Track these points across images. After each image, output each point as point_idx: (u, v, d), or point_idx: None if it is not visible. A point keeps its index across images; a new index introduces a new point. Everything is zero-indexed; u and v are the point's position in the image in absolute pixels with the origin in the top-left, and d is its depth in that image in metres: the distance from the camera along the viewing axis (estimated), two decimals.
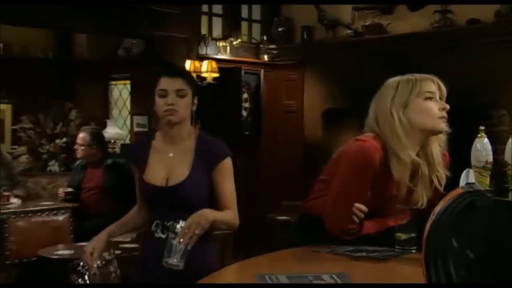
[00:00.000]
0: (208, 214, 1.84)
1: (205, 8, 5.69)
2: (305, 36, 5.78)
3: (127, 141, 6.42)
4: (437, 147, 1.92)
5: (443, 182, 1.91)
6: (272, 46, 5.87)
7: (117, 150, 5.82)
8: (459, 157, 1.91)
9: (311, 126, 5.76)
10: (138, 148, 2.06)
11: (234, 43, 5.75)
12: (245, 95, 5.91)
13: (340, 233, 1.86)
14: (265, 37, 5.99)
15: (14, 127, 5.41)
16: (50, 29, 5.49)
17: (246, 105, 5.92)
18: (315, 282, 1.46)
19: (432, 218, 1.38)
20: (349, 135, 2.09)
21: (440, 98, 1.93)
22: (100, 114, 6.26)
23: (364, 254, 1.77)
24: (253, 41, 6.04)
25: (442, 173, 1.91)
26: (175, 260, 1.73)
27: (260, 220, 5.17)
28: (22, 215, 3.65)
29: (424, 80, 1.93)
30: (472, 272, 1.31)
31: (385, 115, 1.91)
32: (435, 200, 1.84)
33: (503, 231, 1.33)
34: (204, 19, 5.68)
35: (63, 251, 3.17)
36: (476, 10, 4.67)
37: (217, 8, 5.82)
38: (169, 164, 1.96)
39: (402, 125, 1.88)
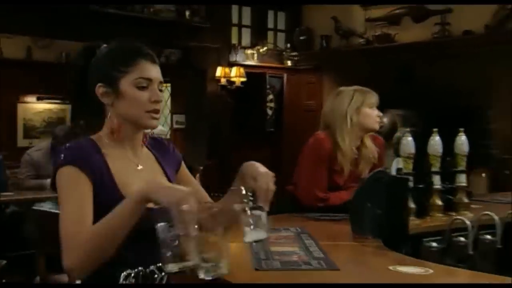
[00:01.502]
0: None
1: (235, 20, 6.48)
2: (323, 44, 6.48)
3: (168, 136, 7.28)
4: (369, 138, 2.67)
5: (376, 157, 2.67)
6: (294, 53, 6.60)
7: None
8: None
9: None
10: (84, 153, 1.36)
11: (261, 50, 6.53)
12: (270, 96, 6.68)
13: (313, 200, 2.58)
14: (288, 45, 6.73)
15: (73, 124, 6.36)
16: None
17: (271, 105, 6.69)
18: (283, 230, 2.18)
19: (356, 188, 2.14)
20: None
21: (376, 106, 2.67)
22: None
23: (326, 217, 2.50)
24: (278, 48, 6.79)
25: (376, 153, 2.67)
26: (263, 233, 1.34)
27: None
28: None
29: (370, 93, 2.67)
30: (378, 223, 2.04)
31: (340, 117, 2.64)
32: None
33: (396, 196, 2.06)
34: (234, 30, 6.46)
35: None
36: (470, 23, 5.29)
37: (246, 20, 6.60)
38: (145, 179, 1.38)
39: (352, 126, 2.61)
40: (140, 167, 1.45)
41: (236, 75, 6.08)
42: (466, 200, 2.51)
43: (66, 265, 1.24)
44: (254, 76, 6.34)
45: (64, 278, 3.00)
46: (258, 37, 6.64)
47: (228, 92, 6.16)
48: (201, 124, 6.20)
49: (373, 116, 2.63)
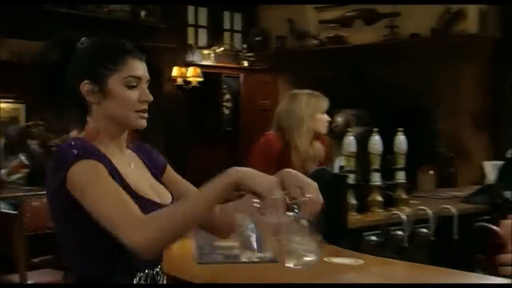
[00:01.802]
0: None
1: (191, 20, 6.53)
2: (278, 45, 6.60)
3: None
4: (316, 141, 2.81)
5: (323, 156, 2.82)
6: (250, 54, 6.70)
7: None
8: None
9: None
10: (92, 148, 1.31)
11: (217, 51, 6.60)
12: (227, 96, 6.76)
13: None
14: (245, 46, 6.82)
15: (28, 123, 6.26)
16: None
17: (228, 104, 6.77)
18: None
19: None
20: None
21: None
22: None
23: None
24: (234, 49, 6.88)
25: (322, 152, 2.82)
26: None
27: None
28: (36, 197, 4.50)
29: (323, 98, 2.81)
30: (318, 218, 2.15)
31: (297, 121, 2.76)
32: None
33: (335, 192, 2.18)
34: (190, 30, 6.51)
35: None
36: (417, 26, 5.50)
37: (202, 21, 6.67)
38: (142, 177, 1.38)
39: (307, 131, 2.75)
40: (132, 165, 1.38)
41: (192, 75, 6.13)
42: (404, 196, 2.66)
43: (137, 246, 1.15)
44: (210, 76, 6.41)
45: (15, 278, 3.00)
46: (215, 38, 6.71)
47: (184, 92, 6.21)
48: (157, 123, 6.22)
49: (324, 121, 2.79)
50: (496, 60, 5.39)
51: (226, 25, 6.89)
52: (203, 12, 6.62)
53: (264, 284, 1.54)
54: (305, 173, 2.76)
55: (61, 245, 1.29)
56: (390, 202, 2.63)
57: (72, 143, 1.28)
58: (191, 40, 6.50)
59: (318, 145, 2.83)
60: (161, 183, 1.41)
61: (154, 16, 5.77)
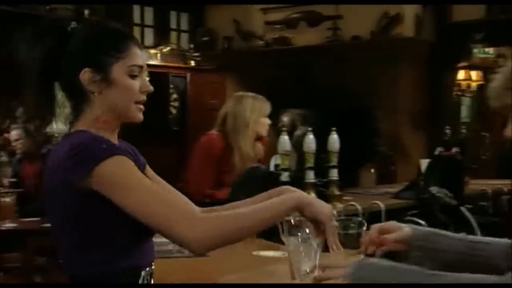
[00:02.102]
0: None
1: (137, 19, 6.51)
2: (225, 45, 6.67)
3: None
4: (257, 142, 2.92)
5: (262, 155, 2.94)
6: (196, 54, 6.74)
7: None
8: (347, 148, 2.79)
9: None
10: (112, 143, 1.26)
11: (164, 50, 6.60)
12: (174, 96, 6.77)
13: (201, 196, 2.77)
14: (191, 45, 6.85)
15: None
16: None
17: (175, 104, 6.78)
18: None
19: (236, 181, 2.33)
20: None
21: None
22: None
23: None
24: (181, 48, 6.90)
25: (262, 151, 2.95)
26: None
27: None
28: None
29: (266, 102, 2.92)
30: None
31: (243, 124, 2.85)
32: None
33: (266, 189, 2.26)
34: (136, 30, 6.49)
35: (9, 224, 3.96)
36: (357, 29, 5.70)
37: (148, 20, 6.66)
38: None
39: (252, 133, 2.86)
40: None
41: None
42: (337, 192, 2.79)
43: (190, 242, 1.15)
44: (157, 75, 6.39)
45: None
46: (161, 37, 6.71)
47: None
48: None
49: (266, 124, 2.91)
50: (432, 62, 5.65)
51: (173, 25, 6.90)
52: (149, 12, 6.61)
53: (266, 284, 1.58)
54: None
55: (58, 241, 1.24)
56: (323, 199, 2.74)
57: (93, 136, 1.22)
58: None
59: (259, 145, 2.94)
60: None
61: (98, 15, 5.72)
